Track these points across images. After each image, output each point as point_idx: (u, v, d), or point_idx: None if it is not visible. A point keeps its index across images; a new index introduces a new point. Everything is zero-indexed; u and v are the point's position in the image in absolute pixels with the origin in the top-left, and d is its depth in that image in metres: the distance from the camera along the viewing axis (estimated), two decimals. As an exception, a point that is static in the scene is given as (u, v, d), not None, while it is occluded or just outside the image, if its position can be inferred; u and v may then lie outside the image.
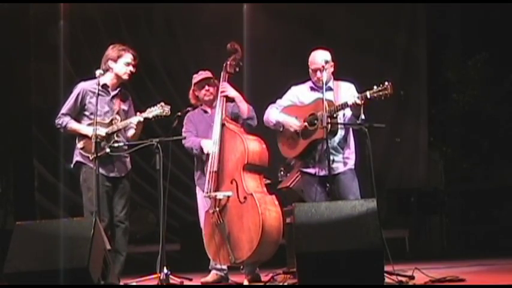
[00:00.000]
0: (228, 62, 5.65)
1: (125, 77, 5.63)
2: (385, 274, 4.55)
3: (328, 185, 5.18)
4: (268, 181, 5.83)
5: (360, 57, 8.78)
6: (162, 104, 5.48)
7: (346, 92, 5.32)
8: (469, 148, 9.63)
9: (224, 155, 5.44)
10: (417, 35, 9.56)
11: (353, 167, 5.40)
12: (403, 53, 9.59)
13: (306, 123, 5.32)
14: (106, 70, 5.58)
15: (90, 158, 5.32)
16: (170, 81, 9.19)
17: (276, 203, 5.36)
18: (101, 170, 5.34)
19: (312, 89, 5.48)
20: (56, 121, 5.61)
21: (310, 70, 5.44)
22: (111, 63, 5.60)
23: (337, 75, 5.51)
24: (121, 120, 5.55)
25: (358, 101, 5.05)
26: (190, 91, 5.90)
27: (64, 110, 5.59)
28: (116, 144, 5.44)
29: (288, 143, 5.46)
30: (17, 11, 8.34)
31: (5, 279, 4.42)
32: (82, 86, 5.59)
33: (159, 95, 8.61)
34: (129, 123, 5.53)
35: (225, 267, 5.68)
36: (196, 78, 5.85)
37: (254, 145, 5.42)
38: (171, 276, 5.06)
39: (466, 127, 9.61)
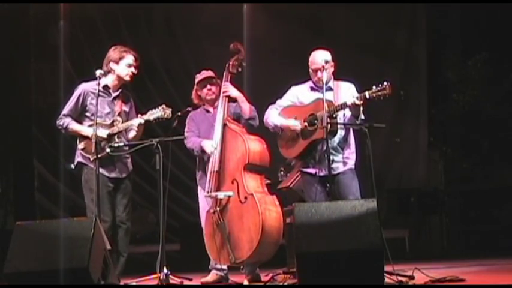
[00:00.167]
0: (231, 62, 5.66)
1: (127, 78, 5.63)
2: (385, 274, 4.55)
3: (328, 185, 5.18)
4: (268, 181, 5.84)
5: (360, 57, 8.78)
6: (164, 106, 5.48)
7: (346, 92, 5.31)
8: (469, 148, 9.63)
9: (225, 155, 5.45)
10: (417, 35, 9.56)
11: (353, 167, 5.40)
12: (403, 53, 9.59)
13: (305, 123, 5.32)
14: (108, 72, 5.59)
15: (91, 159, 5.33)
16: (170, 81, 9.19)
17: (277, 203, 5.37)
18: (102, 171, 5.36)
19: (312, 89, 5.48)
20: (57, 122, 5.61)
21: (310, 70, 5.44)
22: (112, 65, 5.60)
23: (337, 75, 5.51)
24: (122, 122, 5.55)
25: (357, 101, 5.05)
26: (193, 91, 5.91)
27: (65, 111, 5.60)
28: (116, 144, 5.44)
29: (288, 143, 5.46)
30: (17, 11, 8.34)
31: (5, 279, 4.42)
32: (83, 87, 5.60)
33: (159, 95, 8.65)
34: (130, 125, 5.53)
35: (225, 267, 5.68)
36: (199, 77, 5.86)
37: (255, 145, 5.42)
38: (171, 276, 5.06)
39: (466, 127, 9.61)
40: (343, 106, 5.14)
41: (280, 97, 5.59)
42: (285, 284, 5.30)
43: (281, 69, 8.28)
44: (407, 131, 9.52)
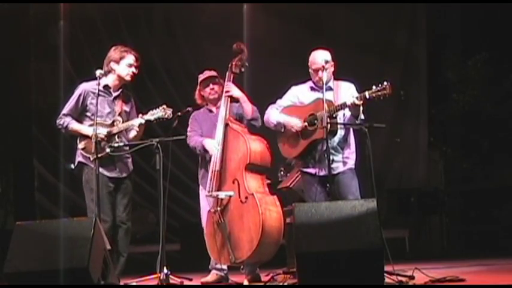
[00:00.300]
0: (234, 62, 5.67)
1: (128, 78, 5.64)
2: (385, 274, 4.55)
3: (328, 185, 5.18)
4: (268, 181, 5.84)
5: (360, 57, 8.78)
6: (165, 106, 5.49)
7: (346, 92, 5.32)
8: (469, 148, 9.63)
9: (227, 155, 5.46)
10: (417, 35, 9.56)
11: (353, 166, 5.40)
12: (403, 53, 9.59)
13: (306, 123, 5.32)
14: (108, 72, 5.59)
15: (91, 159, 5.33)
16: (170, 81, 9.20)
17: (277, 203, 5.37)
18: (102, 171, 5.36)
19: (312, 89, 5.48)
20: (57, 121, 5.61)
21: (310, 70, 5.44)
22: (113, 65, 5.60)
23: (337, 75, 5.51)
24: (123, 122, 5.55)
25: (357, 101, 5.05)
26: (196, 91, 5.92)
27: (65, 110, 5.60)
28: (116, 144, 5.44)
29: (288, 143, 5.46)
30: (17, 11, 8.34)
31: (5, 279, 4.42)
32: (84, 87, 5.60)
33: (159, 95, 8.65)
34: (131, 125, 5.53)
35: (225, 267, 5.69)
36: (202, 77, 5.87)
37: (257, 145, 5.43)
38: (171, 276, 5.06)
39: (466, 127, 9.61)
40: (343, 106, 5.14)
41: (281, 97, 5.59)
42: (285, 284, 5.30)
43: (281, 69, 8.28)
44: (407, 131, 9.52)
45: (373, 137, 5.06)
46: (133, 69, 5.64)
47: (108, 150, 5.40)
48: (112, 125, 5.54)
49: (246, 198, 5.26)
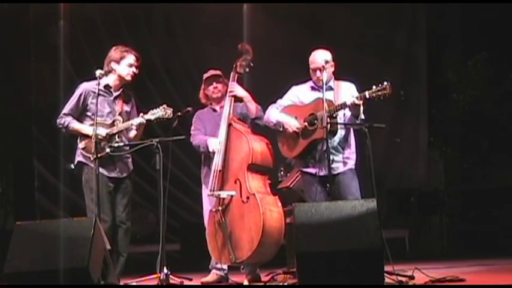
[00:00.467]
0: (238, 63, 5.69)
1: (128, 78, 5.64)
2: (385, 274, 4.55)
3: (328, 185, 5.18)
4: (268, 181, 5.84)
5: (360, 57, 8.78)
6: (165, 106, 5.49)
7: (347, 92, 5.31)
8: (469, 148, 9.63)
9: (229, 155, 5.48)
10: (417, 35, 9.56)
11: (353, 167, 5.40)
12: (403, 53, 9.58)
13: (306, 123, 5.32)
14: (109, 72, 5.60)
15: (91, 159, 5.33)
16: (170, 81, 9.19)
17: (279, 203, 5.38)
18: (102, 171, 5.36)
19: (312, 88, 5.49)
20: (58, 121, 5.61)
21: (310, 69, 5.44)
22: (113, 65, 5.61)
23: (337, 75, 5.51)
24: (123, 122, 5.55)
25: (357, 101, 5.05)
26: (201, 90, 5.93)
27: (66, 110, 5.60)
28: (116, 144, 5.44)
29: (288, 143, 5.46)
30: (17, 11, 8.34)
31: (5, 279, 4.42)
32: (84, 87, 5.60)
33: (159, 95, 8.65)
34: (131, 125, 5.53)
35: (225, 266, 5.69)
36: (206, 75, 5.88)
37: (259, 146, 5.44)
38: (171, 276, 5.06)
39: (466, 127, 9.61)
40: (343, 106, 5.14)
41: (281, 97, 5.60)
42: (285, 284, 5.30)
43: (281, 69, 8.28)
44: (407, 131, 9.51)
45: (373, 137, 5.06)
46: (133, 69, 5.64)
47: (108, 150, 5.39)
48: (112, 124, 5.54)
49: (248, 198, 5.26)
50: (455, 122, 9.74)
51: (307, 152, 5.36)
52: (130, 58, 5.62)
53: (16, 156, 8.81)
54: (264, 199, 5.27)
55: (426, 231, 9.17)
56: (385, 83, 4.98)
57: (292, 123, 5.37)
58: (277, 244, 5.32)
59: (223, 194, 5.36)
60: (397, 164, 9.49)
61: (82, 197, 5.61)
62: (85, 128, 5.53)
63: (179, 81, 9.03)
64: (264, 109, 5.62)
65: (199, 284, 5.71)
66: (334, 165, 5.23)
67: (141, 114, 5.56)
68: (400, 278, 4.78)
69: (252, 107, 5.64)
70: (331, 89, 5.38)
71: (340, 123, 5.26)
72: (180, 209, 8.78)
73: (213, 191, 5.42)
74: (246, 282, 5.51)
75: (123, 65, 5.61)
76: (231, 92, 5.66)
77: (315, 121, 5.26)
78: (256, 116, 5.62)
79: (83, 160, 5.53)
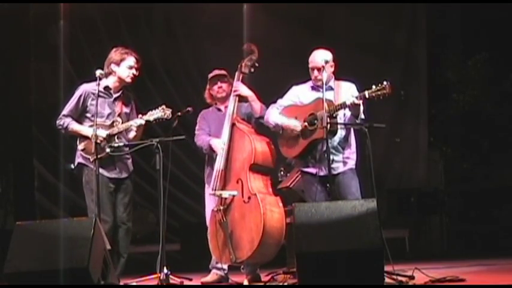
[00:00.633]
0: (243, 63, 5.71)
1: (128, 80, 5.64)
2: (385, 274, 4.55)
3: (328, 185, 5.18)
4: (270, 182, 5.85)
5: (360, 57, 8.77)
6: (164, 107, 5.49)
7: (347, 92, 5.31)
8: (469, 148, 9.63)
9: (232, 154, 5.49)
10: (417, 35, 9.55)
11: (354, 166, 5.40)
12: (403, 53, 9.58)
13: (306, 123, 5.32)
14: (109, 73, 5.59)
15: (91, 160, 5.33)
16: (170, 81, 9.18)
17: (280, 204, 5.39)
18: (103, 171, 5.36)
19: (312, 88, 5.49)
20: (57, 122, 5.61)
21: (309, 68, 5.44)
22: (113, 67, 5.60)
23: (338, 75, 5.51)
24: (122, 123, 5.55)
25: (356, 101, 5.06)
26: (206, 90, 5.94)
27: (65, 111, 5.60)
28: (116, 145, 5.44)
29: (288, 143, 5.46)
30: (17, 11, 8.33)
31: (5, 279, 4.42)
32: (84, 88, 5.60)
33: (159, 95, 8.65)
34: (130, 126, 5.53)
35: (225, 266, 5.69)
36: (210, 74, 5.89)
37: (262, 146, 5.45)
38: (171, 276, 5.06)
39: (466, 127, 9.61)
40: (343, 106, 5.14)
41: (281, 97, 5.60)
42: (285, 284, 5.30)
43: (281, 69, 8.27)
44: (407, 131, 9.51)
45: (373, 137, 5.07)
46: (133, 71, 5.64)
47: (108, 150, 5.40)
48: (111, 126, 5.54)
49: (249, 198, 5.27)
50: (455, 122, 9.74)
51: (307, 152, 5.36)
52: (131, 60, 5.62)
53: (16, 156, 8.81)
54: (265, 199, 5.27)
55: (426, 231, 9.16)
56: (385, 83, 4.98)
57: (294, 126, 5.35)
58: (277, 245, 5.32)
59: (225, 194, 5.37)
60: (397, 164, 9.48)
61: (82, 197, 5.61)
62: (84, 129, 5.53)
63: (179, 81, 9.03)
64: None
65: (199, 284, 5.71)
66: (334, 165, 5.23)
67: (140, 115, 5.56)
68: (400, 278, 4.78)
69: (257, 106, 5.65)
70: (331, 89, 5.38)
71: (340, 123, 5.26)
72: (180, 209, 8.78)
73: (215, 190, 5.43)
74: (246, 282, 5.51)
75: (123, 67, 5.60)
76: (235, 91, 5.67)
77: (315, 121, 5.26)
78: (261, 115, 5.63)
79: (83, 161, 5.53)
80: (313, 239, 4.35)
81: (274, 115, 5.48)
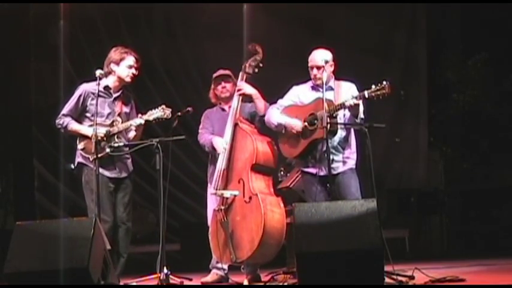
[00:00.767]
0: (247, 63, 5.71)
1: (128, 79, 5.64)
2: (385, 274, 4.55)
3: (328, 184, 5.18)
4: (271, 182, 5.85)
5: (360, 57, 8.77)
6: (163, 106, 5.50)
7: (347, 92, 5.31)
8: (469, 148, 9.63)
9: (234, 154, 5.50)
10: (417, 35, 9.55)
11: (354, 166, 5.40)
12: (403, 53, 9.58)
13: (306, 123, 5.32)
14: (108, 73, 5.59)
15: (91, 159, 5.33)
16: (170, 81, 9.18)
17: (281, 205, 5.38)
18: (102, 171, 5.35)
19: (313, 88, 5.49)
20: (57, 121, 5.61)
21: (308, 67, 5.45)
22: (113, 66, 5.60)
23: (338, 75, 5.51)
24: (122, 123, 5.55)
25: (356, 100, 5.06)
26: (211, 90, 5.95)
27: (65, 110, 5.60)
28: (115, 144, 5.44)
29: (288, 143, 5.46)
30: (17, 11, 8.33)
31: (5, 279, 4.41)
32: (84, 88, 5.60)
33: (159, 95, 8.64)
34: (130, 125, 5.53)
35: (225, 266, 5.69)
36: (214, 75, 5.90)
37: (264, 146, 5.46)
38: (171, 276, 5.06)
39: (466, 127, 9.62)
40: (343, 106, 5.14)
41: (281, 97, 5.60)
42: (285, 284, 5.30)
43: (281, 70, 8.26)
44: (407, 131, 9.51)
45: (373, 137, 5.07)
46: (133, 70, 5.64)
47: (107, 150, 5.40)
48: (111, 125, 5.54)
49: (250, 198, 5.27)
50: (455, 122, 9.74)
51: (307, 152, 5.36)
52: (130, 60, 5.62)
53: (16, 156, 8.81)
54: (266, 200, 5.27)
55: (426, 231, 9.17)
56: (384, 83, 4.98)
57: (295, 124, 5.36)
58: (278, 245, 5.32)
59: (227, 194, 5.37)
60: (397, 164, 9.48)
61: (82, 197, 5.61)
62: (84, 128, 5.53)
63: (179, 81, 9.03)
64: (267, 109, 5.63)
65: (199, 284, 5.71)
66: (334, 165, 5.23)
67: (139, 115, 5.56)
68: (400, 278, 4.78)
69: (261, 104, 5.65)
70: (331, 89, 5.38)
71: (340, 123, 5.26)
72: (180, 209, 8.78)
73: (217, 189, 5.43)
74: (246, 282, 5.51)
75: (123, 66, 5.60)
76: (238, 90, 5.67)
77: (315, 121, 5.26)
78: (264, 114, 5.63)
79: (83, 161, 5.53)
80: (313, 239, 4.35)
81: (276, 115, 5.48)
